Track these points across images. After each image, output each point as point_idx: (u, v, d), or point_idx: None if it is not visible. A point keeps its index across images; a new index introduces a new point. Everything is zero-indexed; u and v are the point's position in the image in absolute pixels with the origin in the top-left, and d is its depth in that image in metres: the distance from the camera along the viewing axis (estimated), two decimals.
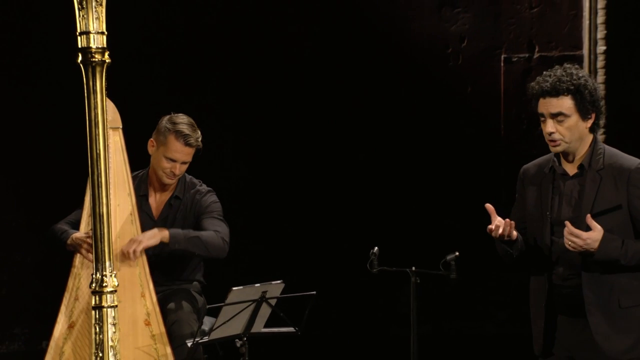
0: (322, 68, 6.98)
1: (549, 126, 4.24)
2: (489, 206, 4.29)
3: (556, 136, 4.23)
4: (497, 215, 4.27)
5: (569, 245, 4.14)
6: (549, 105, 4.25)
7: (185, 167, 5.11)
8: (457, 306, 6.92)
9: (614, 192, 4.20)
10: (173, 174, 5.07)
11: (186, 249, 4.95)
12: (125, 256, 4.77)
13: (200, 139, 5.08)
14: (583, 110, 4.26)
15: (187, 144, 5.02)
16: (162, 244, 4.94)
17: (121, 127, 4.95)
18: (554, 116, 4.24)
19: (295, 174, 7.00)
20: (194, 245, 4.95)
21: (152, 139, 5.11)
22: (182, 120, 5.07)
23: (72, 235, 4.86)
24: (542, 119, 4.28)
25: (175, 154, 5.04)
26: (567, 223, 4.14)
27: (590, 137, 4.29)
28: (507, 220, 4.27)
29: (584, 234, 4.11)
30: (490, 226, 4.25)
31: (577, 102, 4.25)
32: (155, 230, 4.87)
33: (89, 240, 4.68)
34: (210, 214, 5.13)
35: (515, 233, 4.29)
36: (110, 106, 4.76)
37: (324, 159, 6.99)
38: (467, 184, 6.93)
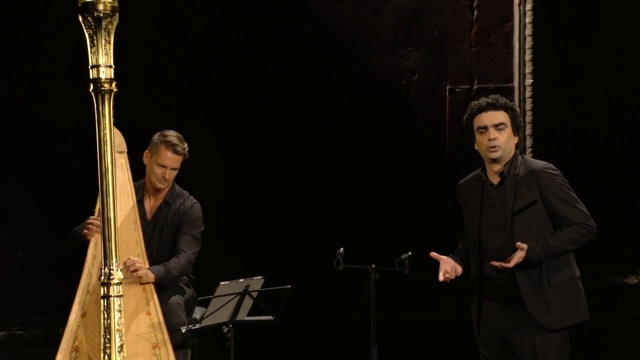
0: (297, 95, 6.97)
1: (492, 134, 4.23)
2: (434, 254, 4.31)
3: (497, 142, 4.22)
4: (441, 256, 4.30)
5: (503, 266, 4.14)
6: (492, 117, 4.25)
7: (174, 173, 5.10)
8: (410, 297, 6.91)
9: (528, 191, 4.20)
10: (164, 179, 5.08)
11: (164, 284, 4.97)
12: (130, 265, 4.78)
13: (186, 149, 5.11)
14: (515, 126, 4.28)
15: (175, 152, 5.05)
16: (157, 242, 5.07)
17: (126, 150, 4.95)
18: (496, 126, 4.24)
19: (273, 187, 6.98)
20: (169, 281, 4.99)
21: (146, 151, 5.14)
22: (171, 134, 5.11)
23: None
24: (482, 130, 4.25)
25: (165, 161, 5.05)
26: (494, 263, 4.14)
27: (513, 151, 4.29)
28: (451, 267, 4.28)
29: (512, 262, 4.11)
30: (440, 278, 4.27)
31: (511, 117, 4.27)
32: (150, 273, 4.85)
33: (97, 222, 4.73)
34: (189, 231, 5.11)
35: (460, 269, 4.32)
36: (117, 133, 4.74)
37: (297, 173, 6.97)
38: (418, 195, 6.94)
